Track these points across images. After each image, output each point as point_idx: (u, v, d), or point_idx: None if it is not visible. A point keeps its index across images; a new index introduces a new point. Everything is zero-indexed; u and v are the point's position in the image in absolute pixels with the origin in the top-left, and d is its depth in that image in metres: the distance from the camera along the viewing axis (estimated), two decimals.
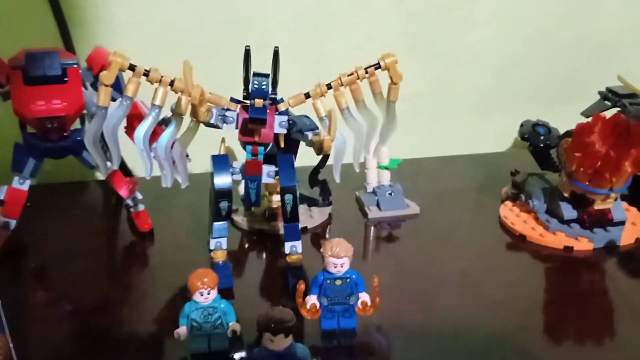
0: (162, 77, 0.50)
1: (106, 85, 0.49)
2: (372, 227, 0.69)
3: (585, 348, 0.50)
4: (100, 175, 0.83)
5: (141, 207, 0.68)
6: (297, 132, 0.53)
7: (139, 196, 0.68)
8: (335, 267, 0.47)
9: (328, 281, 0.48)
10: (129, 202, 0.67)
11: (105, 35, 0.76)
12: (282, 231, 0.66)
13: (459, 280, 0.59)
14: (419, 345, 0.50)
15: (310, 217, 0.69)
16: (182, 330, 0.47)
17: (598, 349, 0.50)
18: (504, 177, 0.75)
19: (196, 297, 0.46)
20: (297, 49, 0.78)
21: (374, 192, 0.71)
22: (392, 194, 0.70)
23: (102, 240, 0.69)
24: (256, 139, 0.52)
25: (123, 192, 0.66)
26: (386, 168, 0.71)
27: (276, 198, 0.68)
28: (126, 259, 0.66)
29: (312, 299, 0.49)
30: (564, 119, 0.70)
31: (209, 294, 0.46)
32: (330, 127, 0.49)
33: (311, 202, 0.71)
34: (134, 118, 0.61)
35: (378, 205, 0.70)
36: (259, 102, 0.50)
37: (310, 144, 0.51)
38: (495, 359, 0.48)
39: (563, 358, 0.49)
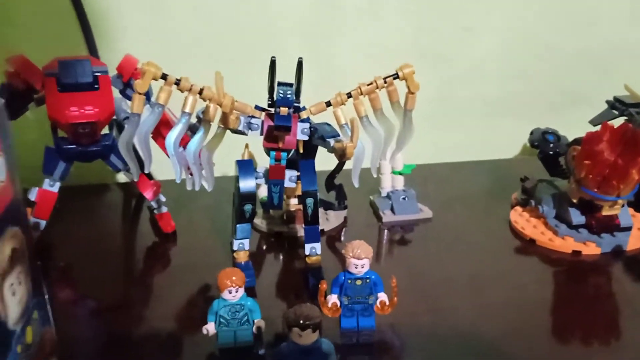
0: (192, 85, 0.53)
1: (140, 94, 0.51)
2: (386, 231, 0.72)
3: (592, 349, 0.52)
4: (121, 179, 0.86)
5: (164, 209, 0.70)
6: (318, 138, 0.56)
7: (163, 199, 0.70)
8: (356, 267, 0.50)
9: (349, 281, 0.51)
10: (153, 204, 0.70)
11: (128, 44, 0.79)
12: (299, 233, 0.69)
13: (468, 283, 0.61)
14: (429, 345, 0.52)
15: (326, 220, 0.72)
16: (210, 326, 0.49)
17: (604, 349, 0.52)
18: (513, 183, 0.78)
19: (225, 294, 0.48)
20: (308, 56, 0.81)
21: (388, 196, 0.74)
22: (406, 198, 0.73)
23: (126, 241, 0.72)
24: (280, 145, 0.55)
25: (148, 194, 0.69)
26: (400, 173, 0.74)
27: (294, 202, 0.71)
28: (149, 259, 0.68)
29: (333, 298, 0.51)
30: (572, 126, 0.72)
31: (237, 291, 0.48)
32: (352, 134, 0.51)
33: (327, 206, 0.73)
34: (161, 124, 0.64)
35: (392, 210, 0.73)
36: (284, 111, 0.52)
37: (332, 150, 0.54)
38: (503, 356, 0.50)
39: (570, 356, 0.51)
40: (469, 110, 0.93)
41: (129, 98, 0.64)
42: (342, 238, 0.70)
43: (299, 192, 0.68)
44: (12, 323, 0.32)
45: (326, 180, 0.72)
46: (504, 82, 0.92)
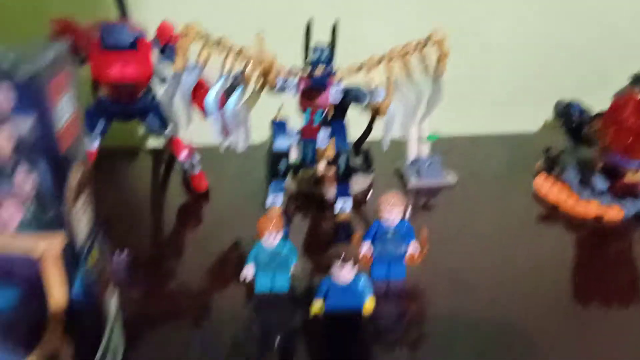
0: (231, 45, 0.55)
1: (182, 54, 0.54)
2: (411, 195, 0.74)
3: (612, 310, 0.54)
4: (150, 145, 0.89)
5: (197, 170, 0.73)
6: (352, 99, 0.58)
7: (196, 160, 0.73)
8: (389, 218, 0.52)
9: (382, 231, 0.53)
10: (186, 165, 0.73)
11: (162, 10, 0.81)
12: (327, 195, 0.71)
13: (491, 245, 0.62)
14: (454, 298, 0.54)
15: (353, 183, 0.74)
16: (249, 270, 0.52)
17: (623, 311, 0.53)
18: (536, 154, 0.79)
19: (264, 239, 0.51)
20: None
21: (414, 163, 0.76)
22: (431, 164, 0.75)
23: (158, 201, 0.75)
24: (314, 105, 0.57)
25: (182, 155, 0.71)
26: (426, 141, 0.76)
27: (323, 165, 0.73)
28: (181, 217, 0.71)
29: (366, 247, 0.54)
30: (597, 104, 0.73)
31: (276, 236, 0.51)
32: (388, 91, 0.53)
33: (354, 170, 0.75)
34: (197, 87, 0.66)
35: (418, 175, 0.75)
36: (319, 71, 0.54)
37: (366, 108, 0.56)
38: (524, 320, 0.52)
39: (591, 320, 0.53)
40: (490, 87, 0.94)
41: (168, 60, 0.67)
42: (367, 201, 0.73)
43: (328, 155, 0.71)
44: (79, 243, 0.35)
45: (354, 145, 0.74)
46: (530, 59, 0.93)
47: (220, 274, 0.57)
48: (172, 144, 0.71)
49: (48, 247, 0.31)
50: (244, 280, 0.52)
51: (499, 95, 0.95)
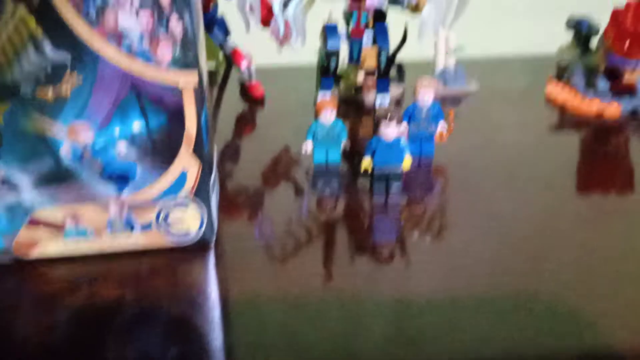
0: None
1: None
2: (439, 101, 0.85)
3: (610, 196, 0.63)
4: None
5: (254, 79, 0.85)
6: (394, 1, 0.69)
7: (253, 70, 0.85)
8: (424, 98, 0.64)
9: (416, 112, 0.65)
10: (245, 75, 0.84)
11: None
12: (366, 100, 0.83)
13: (506, 146, 0.72)
14: (472, 179, 0.65)
15: None
16: (308, 143, 0.64)
17: (620, 198, 0.63)
18: (551, 71, 0.90)
19: (322, 116, 0.63)
20: None
21: (441, 73, 0.87)
22: (457, 73, 0.86)
23: (220, 109, 0.87)
24: (362, 6, 0.68)
25: (242, 64, 0.83)
26: (453, 52, 0.87)
27: (360, 76, 0.85)
28: (238, 124, 0.82)
29: (403, 126, 0.65)
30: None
31: (332, 113, 0.63)
32: None
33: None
34: None
35: (444, 83, 0.86)
36: None
37: (406, 5, 0.68)
38: (533, 202, 0.61)
39: (592, 204, 0.62)
40: (509, 9, 1.04)
41: None
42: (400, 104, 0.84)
43: (368, 65, 0.82)
44: (205, 86, 0.47)
45: (389, 58, 0.85)
46: None
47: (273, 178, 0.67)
48: (234, 55, 0.83)
49: (188, 80, 0.44)
50: (305, 152, 0.64)
51: (520, 14, 1.05)
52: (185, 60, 0.43)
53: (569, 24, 0.85)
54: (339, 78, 0.88)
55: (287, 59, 0.81)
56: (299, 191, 0.63)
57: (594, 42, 0.86)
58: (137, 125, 0.45)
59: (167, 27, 0.42)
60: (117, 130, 0.44)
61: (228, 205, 0.60)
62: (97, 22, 0.41)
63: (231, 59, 0.85)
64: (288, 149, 0.71)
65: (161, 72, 0.43)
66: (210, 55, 1.02)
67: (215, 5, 0.80)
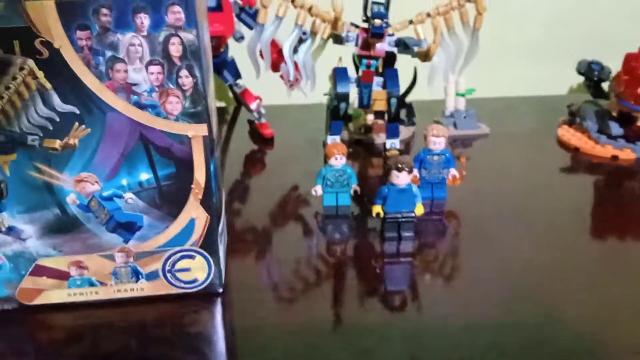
0: (303, 3, 0.67)
1: (264, 7, 0.65)
2: (449, 144, 0.85)
3: (626, 243, 0.61)
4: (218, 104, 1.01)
5: (264, 120, 0.85)
6: (404, 47, 0.69)
7: (263, 111, 0.85)
8: (434, 144, 0.63)
9: (428, 157, 0.64)
10: (255, 115, 0.85)
11: None
12: (376, 141, 0.83)
13: (520, 186, 0.72)
14: (482, 217, 0.64)
15: None
16: (318, 188, 0.63)
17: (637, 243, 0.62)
18: (561, 113, 0.89)
19: (331, 161, 0.62)
20: None
21: (451, 115, 0.87)
22: (467, 116, 0.86)
23: (226, 148, 0.87)
24: (372, 52, 0.68)
25: (253, 105, 0.83)
26: (462, 95, 0.86)
27: (371, 117, 0.85)
28: (247, 164, 0.82)
29: (414, 172, 0.65)
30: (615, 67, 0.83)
31: (341, 158, 0.62)
32: (435, 36, 0.64)
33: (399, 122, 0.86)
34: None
35: (455, 126, 0.86)
36: (378, 22, 0.65)
37: (416, 54, 0.67)
38: (545, 241, 0.60)
39: (605, 251, 0.60)
40: (516, 52, 1.04)
41: (243, 22, 0.79)
42: (410, 150, 0.84)
43: (378, 106, 0.82)
44: (214, 134, 0.47)
45: (399, 99, 0.85)
46: (549, 25, 1.02)
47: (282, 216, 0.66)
48: (244, 96, 0.83)
49: (197, 131, 0.43)
50: (315, 194, 0.64)
51: (529, 57, 1.05)
52: (195, 111, 0.43)
53: (580, 67, 0.85)
54: (349, 118, 0.88)
55: (295, 99, 0.82)
56: (308, 233, 0.63)
57: (605, 85, 0.86)
58: (144, 176, 0.44)
59: (177, 80, 0.42)
60: (124, 181, 0.44)
61: (237, 247, 0.59)
62: (107, 75, 0.41)
63: (241, 100, 0.85)
64: (297, 189, 0.71)
65: (170, 123, 0.43)
66: (220, 93, 1.03)
67: (226, 48, 0.80)
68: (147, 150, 0.43)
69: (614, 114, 0.77)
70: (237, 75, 0.82)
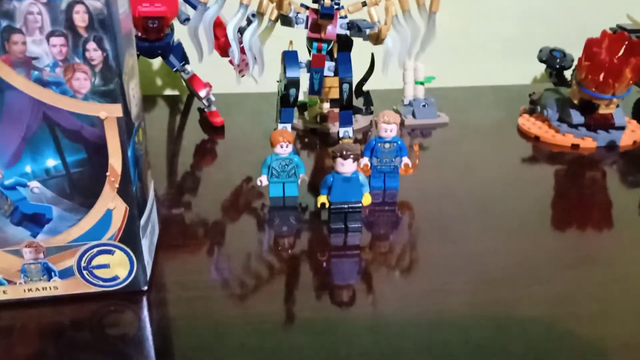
0: None
1: None
2: (408, 134, 0.81)
3: (586, 232, 0.59)
4: (166, 91, 0.96)
5: (214, 108, 0.80)
6: (356, 30, 0.65)
7: (212, 98, 0.80)
8: (386, 132, 0.59)
9: (379, 145, 0.60)
10: (204, 102, 0.80)
11: None
12: (332, 130, 0.79)
13: (478, 174, 0.69)
14: (439, 206, 0.61)
15: (355, 121, 0.81)
16: (263, 178, 0.59)
17: (596, 233, 0.59)
18: (523, 102, 0.87)
19: (277, 149, 0.58)
20: None
21: (410, 104, 0.83)
22: (426, 105, 0.82)
23: (177, 139, 0.82)
24: (322, 35, 0.64)
25: (202, 92, 0.79)
26: (421, 83, 0.83)
27: (326, 105, 0.81)
28: (200, 152, 0.78)
29: (365, 160, 0.61)
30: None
31: (287, 146, 0.58)
32: (387, 18, 0.61)
33: (356, 110, 0.83)
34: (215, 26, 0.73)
35: (413, 115, 0.82)
36: (327, 2, 0.61)
37: (368, 37, 0.63)
38: (505, 232, 0.58)
39: (567, 240, 0.57)
40: (486, 47, 1.01)
41: (189, 2, 0.74)
42: (368, 139, 0.80)
43: (332, 93, 0.78)
44: (133, 117, 0.42)
45: (355, 87, 0.82)
46: (521, 22, 1.00)
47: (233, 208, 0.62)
48: (192, 82, 0.79)
49: (110, 112, 0.39)
50: (260, 185, 0.60)
51: (491, 49, 1.03)
52: (107, 90, 0.38)
53: (542, 55, 0.82)
54: (304, 107, 0.84)
55: (249, 88, 0.78)
56: (253, 226, 0.59)
57: (568, 74, 0.84)
58: (52, 162, 0.40)
59: (84, 54, 0.37)
60: (28, 168, 0.40)
61: (176, 243, 0.55)
62: (2, 48, 0.36)
63: (190, 86, 0.80)
64: (248, 180, 0.67)
65: (78, 103, 0.38)
66: (175, 81, 0.98)
67: (171, 31, 0.76)
68: (53, 133, 0.39)
69: (575, 102, 0.74)
70: (184, 60, 0.78)
